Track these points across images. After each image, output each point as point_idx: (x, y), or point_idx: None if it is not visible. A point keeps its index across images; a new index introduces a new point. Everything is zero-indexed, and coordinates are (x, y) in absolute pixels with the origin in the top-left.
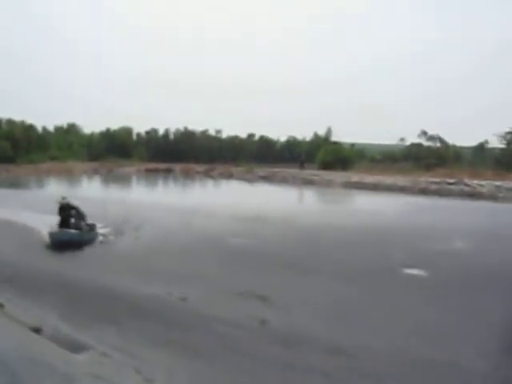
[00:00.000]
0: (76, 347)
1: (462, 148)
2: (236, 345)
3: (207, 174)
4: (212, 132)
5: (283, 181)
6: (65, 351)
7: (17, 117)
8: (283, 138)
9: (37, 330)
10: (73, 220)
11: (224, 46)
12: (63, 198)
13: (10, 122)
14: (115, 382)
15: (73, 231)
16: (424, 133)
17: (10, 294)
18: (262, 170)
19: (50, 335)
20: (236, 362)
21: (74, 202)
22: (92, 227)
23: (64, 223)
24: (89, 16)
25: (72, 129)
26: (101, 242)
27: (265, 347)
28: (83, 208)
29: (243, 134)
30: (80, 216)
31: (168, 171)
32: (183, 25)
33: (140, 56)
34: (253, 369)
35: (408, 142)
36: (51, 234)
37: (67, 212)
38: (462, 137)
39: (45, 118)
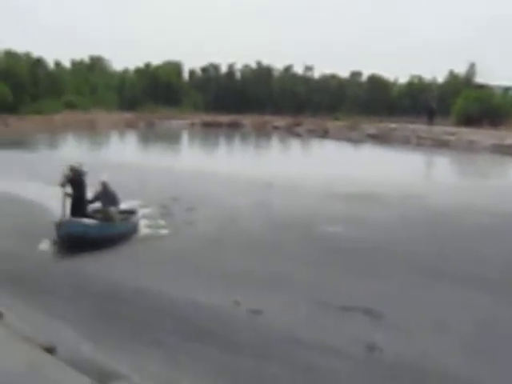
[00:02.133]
0: (104, 375)
1: None
2: (333, 381)
3: (291, 131)
4: (299, 69)
5: (403, 142)
6: (89, 380)
7: (19, 47)
8: (403, 79)
9: (49, 350)
10: (98, 203)
11: None
12: (77, 165)
13: (10, 54)
14: None
15: (90, 222)
16: None
17: (10, 299)
18: (372, 126)
19: (67, 358)
20: None
21: (102, 175)
22: (130, 214)
23: (78, 207)
24: None
25: (97, 64)
26: (146, 228)
27: None
28: (116, 177)
29: (345, 73)
30: (109, 198)
31: (234, 126)
32: None
33: None
34: None
35: None
36: (58, 226)
37: (81, 188)
38: None
39: (58, 48)
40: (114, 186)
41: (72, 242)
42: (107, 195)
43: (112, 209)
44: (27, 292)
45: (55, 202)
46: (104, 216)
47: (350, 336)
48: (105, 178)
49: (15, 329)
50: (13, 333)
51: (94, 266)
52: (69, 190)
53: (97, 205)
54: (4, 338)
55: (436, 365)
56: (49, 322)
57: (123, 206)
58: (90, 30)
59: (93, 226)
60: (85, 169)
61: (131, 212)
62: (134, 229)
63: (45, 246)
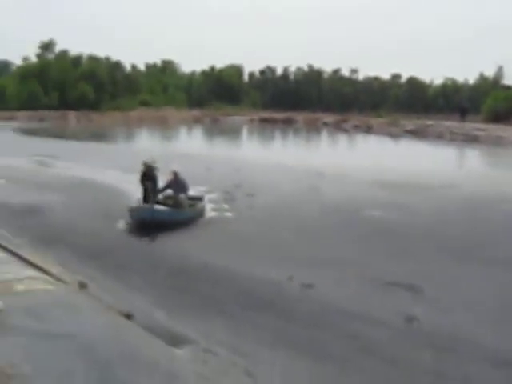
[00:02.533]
0: (175, 340)
1: None
2: (375, 347)
3: (338, 127)
4: (345, 72)
5: (438, 137)
6: (162, 344)
7: (100, 52)
8: (438, 81)
9: (128, 317)
10: (169, 191)
11: None
12: (151, 161)
13: (92, 58)
14: None
15: (160, 208)
16: None
17: (93, 271)
18: (411, 123)
19: (143, 324)
20: (375, 370)
21: (173, 165)
22: (197, 200)
23: (150, 196)
24: None
25: (168, 67)
26: (211, 212)
27: (411, 352)
28: (185, 166)
29: (386, 75)
30: (179, 186)
31: (288, 122)
32: None
33: None
34: (395, 379)
35: None
36: (131, 210)
37: (153, 180)
38: None
39: (134, 53)
40: (183, 174)
41: (144, 225)
42: (178, 183)
43: (181, 196)
44: (107, 265)
45: (131, 187)
46: (174, 202)
47: (392, 308)
48: (176, 167)
49: (98, 298)
50: (96, 301)
51: (165, 244)
52: (146, 183)
53: (168, 192)
54: (89, 305)
55: (468, 335)
56: (127, 292)
57: (191, 192)
58: (162, 36)
59: (163, 211)
60: (156, 164)
61: (199, 198)
62: (200, 213)
63: (121, 226)
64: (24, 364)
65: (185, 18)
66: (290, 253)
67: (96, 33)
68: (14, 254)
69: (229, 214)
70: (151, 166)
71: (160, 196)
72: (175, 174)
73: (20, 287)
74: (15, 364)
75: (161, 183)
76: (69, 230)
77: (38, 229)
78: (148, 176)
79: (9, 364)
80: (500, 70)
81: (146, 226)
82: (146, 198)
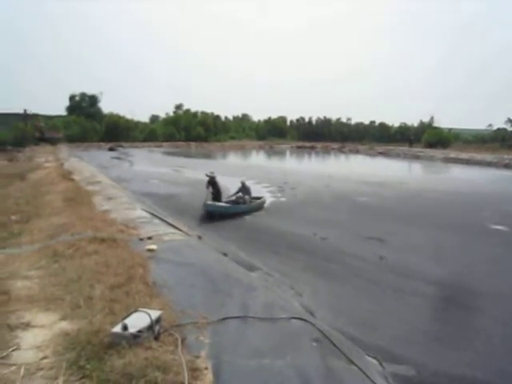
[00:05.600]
0: (250, 267)
1: None
2: (362, 272)
3: (340, 150)
4: (344, 119)
5: (396, 156)
6: (244, 269)
7: (209, 109)
8: (397, 124)
9: (225, 254)
10: (240, 194)
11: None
12: (211, 173)
13: (204, 113)
14: (277, 293)
15: (221, 204)
16: (510, 120)
17: (204, 229)
18: (381, 148)
19: (233, 258)
20: (361, 285)
21: (242, 178)
22: (258, 199)
23: (215, 196)
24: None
25: (245, 117)
26: (271, 198)
27: (382, 275)
28: (255, 172)
29: (367, 121)
30: (245, 190)
31: (312, 148)
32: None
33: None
34: (373, 290)
35: (495, 127)
36: (203, 205)
37: (215, 186)
38: None
39: (227, 109)
40: (252, 176)
41: (209, 215)
42: (244, 189)
43: (246, 196)
44: (212, 227)
45: (222, 183)
46: (242, 201)
47: (370, 251)
48: (243, 179)
49: (208, 244)
50: (207, 246)
51: (244, 218)
52: (210, 188)
53: (239, 194)
54: (203, 248)
55: (413, 266)
56: (224, 241)
57: (255, 194)
58: (243, 99)
59: (220, 206)
60: (215, 174)
61: (259, 198)
62: (261, 206)
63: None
64: (170, 279)
65: (254, 90)
66: (315, 219)
67: (208, 98)
68: (163, 220)
69: (282, 199)
70: (213, 176)
71: (234, 197)
72: (243, 183)
73: (166, 238)
74: (165, 279)
75: (230, 190)
76: (190, 207)
77: (175, 206)
78: (211, 182)
79: (162, 279)
80: (432, 118)
81: (210, 214)
82: (213, 198)
